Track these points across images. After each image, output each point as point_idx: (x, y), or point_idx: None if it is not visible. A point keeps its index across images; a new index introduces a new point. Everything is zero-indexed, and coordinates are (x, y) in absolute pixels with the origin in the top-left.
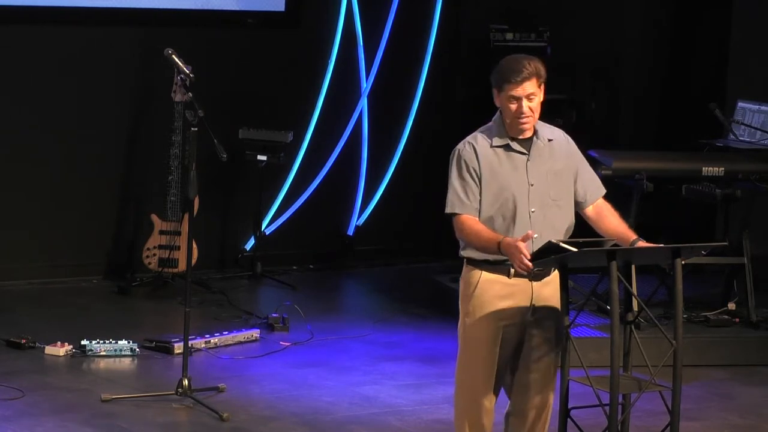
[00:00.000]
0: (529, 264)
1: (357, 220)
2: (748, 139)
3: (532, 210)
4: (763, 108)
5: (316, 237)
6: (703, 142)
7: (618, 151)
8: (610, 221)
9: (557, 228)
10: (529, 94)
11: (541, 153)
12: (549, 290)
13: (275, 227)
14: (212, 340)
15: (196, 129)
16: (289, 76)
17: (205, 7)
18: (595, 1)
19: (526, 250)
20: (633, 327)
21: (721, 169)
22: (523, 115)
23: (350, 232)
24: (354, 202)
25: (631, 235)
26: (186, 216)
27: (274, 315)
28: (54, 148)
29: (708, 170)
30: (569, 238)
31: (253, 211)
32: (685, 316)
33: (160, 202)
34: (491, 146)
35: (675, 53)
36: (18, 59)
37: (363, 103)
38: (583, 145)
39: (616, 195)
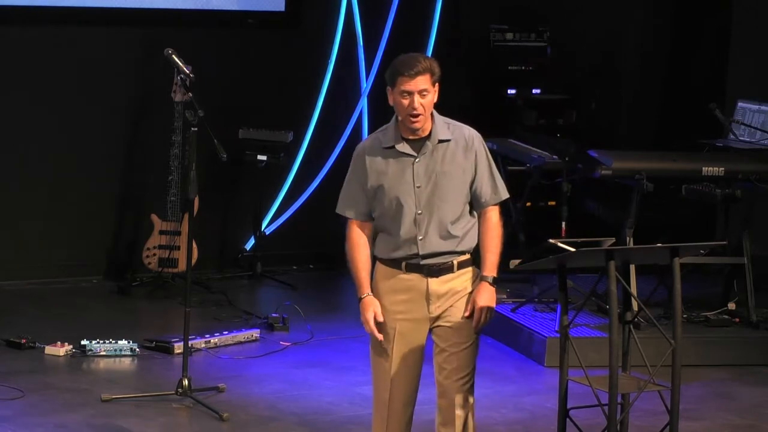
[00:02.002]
0: (379, 336)
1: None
2: (748, 139)
3: (419, 212)
4: (763, 108)
5: (316, 237)
6: (703, 142)
7: (618, 151)
8: (483, 240)
9: (443, 227)
10: (422, 89)
11: (432, 154)
12: (452, 286)
13: (275, 227)
14: (212, 340)
15: (196, 129)
16: (289, 76)
17: (205, 7)
18: (595, 1)
19: (373, 322)
20: (632, 327)
21: (721, 169)
22: (415, 111)
23: None
24: None
25: (485, 271)
26: (186, 216)
27: (274, 315)
28: (54, 148)
29: (708, 170)
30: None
31: (253, 211)
32: (685, 316)
33: (160, 202)
34: (381, 147)
35: (675, 53)
36: (18, 59)
37: (363, 103)
38: (584, 145)
39: (616, 195)
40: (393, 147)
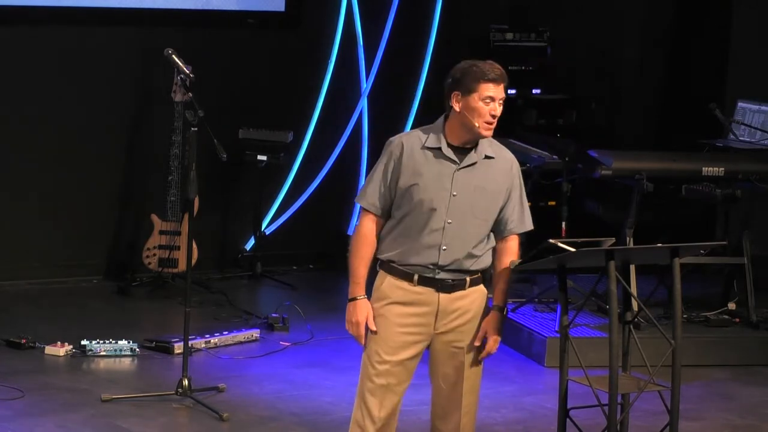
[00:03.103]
0: (362, 343)
1: (357, 220)
2: (748, 139)
3: (449, 221)
4: (763, 108)
5: (316, 237)
6: (703, 142)
7: (618, 151)
8: (498, 268)
9: (467, 243)
10: (502, 97)
11: (474, 166)
12: (462, 304)
13: (275, 227)
14: (212, 340)
15: (196, 129)
16: (289, 76)
17: (205, 7)
18: (595, 1)
19: (363, 328)
20: (632, 327)
21: (721, 169)
22: (495, 118)
23: (350, 232)
24: (354, 202)
25: (497, 300)
26: (186, 216)
27: (274, 315)
28: (54, 148)
29: (708, 170)
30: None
31: (253, 211)
32: (685, 316)
33: (160, 202)
34: (423, 146)
35: (675, 53)
36: (18, 59)
37: (363, 103)
38: (584, 145)
39: (616, 195)
40: (438, 149)
